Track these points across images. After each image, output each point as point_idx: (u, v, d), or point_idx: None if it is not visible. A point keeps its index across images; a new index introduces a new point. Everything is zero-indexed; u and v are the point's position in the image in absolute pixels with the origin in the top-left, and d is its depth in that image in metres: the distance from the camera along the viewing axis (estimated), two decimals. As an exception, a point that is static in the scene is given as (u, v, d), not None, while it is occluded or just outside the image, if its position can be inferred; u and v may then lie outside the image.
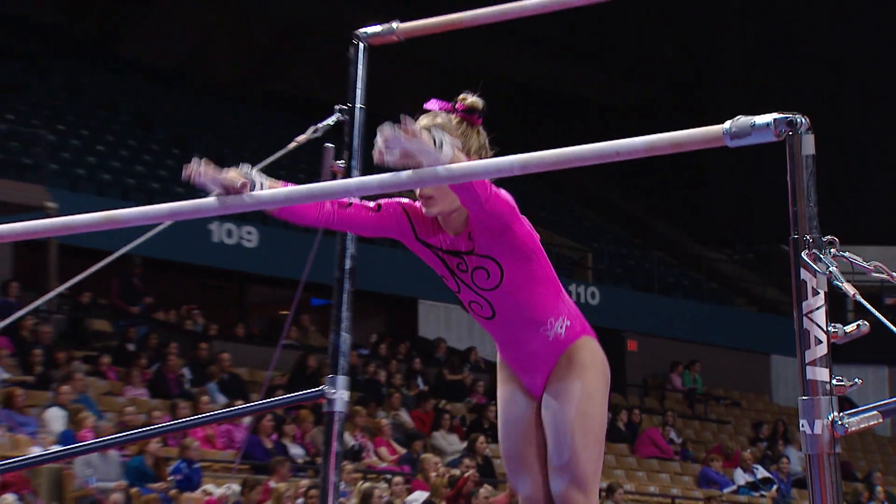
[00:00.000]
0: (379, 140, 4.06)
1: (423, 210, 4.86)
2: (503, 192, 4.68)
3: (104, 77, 31.49)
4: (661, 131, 3.62)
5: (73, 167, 25.24)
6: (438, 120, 4.73)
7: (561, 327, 4.91)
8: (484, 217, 4.64)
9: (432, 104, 4.86)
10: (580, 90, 36.80)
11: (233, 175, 4.47)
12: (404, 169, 4.10)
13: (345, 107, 6.68)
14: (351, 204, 4.89)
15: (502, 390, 5.00)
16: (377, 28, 6.67)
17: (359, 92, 6.73)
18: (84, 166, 25.76)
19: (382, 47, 6.75)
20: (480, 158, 4.73)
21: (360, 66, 6.74)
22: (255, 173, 4.59)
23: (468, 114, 4.80)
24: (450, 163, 4.15)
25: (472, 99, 4.81)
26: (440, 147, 4.17)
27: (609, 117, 33.19)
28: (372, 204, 4.96)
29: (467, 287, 4.91)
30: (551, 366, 4.98)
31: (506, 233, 4.72)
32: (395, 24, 6.61)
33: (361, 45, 6.73)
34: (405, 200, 5.00)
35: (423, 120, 4.74)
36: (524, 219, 4.83)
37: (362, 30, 6.73)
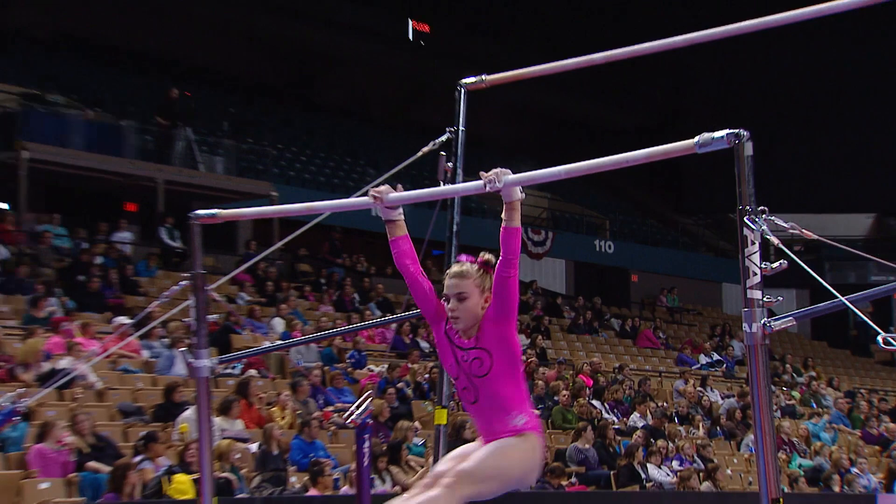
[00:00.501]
0: (483, 175, 4.68)
1: (450, 314, 4.92)
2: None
3: (304, 114, 31.99)
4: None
5: (287, 170, 26.26)
6: (465, 268, 4.99)
7: (521, 420, 4.98)
8: (498, 282, 4.87)
9: (462, 257, 5.16)
10: (589, 117, 37.11)
11: (382, 188, 5.15)
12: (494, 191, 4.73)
13: (452, 129, 7.48)
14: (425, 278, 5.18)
15: (469, 442, 5.16)
16: (472, 79, 7.53)
17: (461, 119, 7.53)
18: (294, 169, 26.76)
19: (476, 91, 7.59)
20: (488, 295, 4.94)
21: (462, 103, 7.53)
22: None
23: (485, 265, 4.98)
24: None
25: (487, 256, 4.99)
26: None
27: (608, 138, 33.18)
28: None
29: (465, 375, 5.03)
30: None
31: (504, 329, 4.93)
32: (483, 77, 7.48)
33: (463, 90, 7.54)
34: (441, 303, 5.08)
35: (455, 268, 5.03)
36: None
37: (463, 80, 7.58)
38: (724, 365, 24.89)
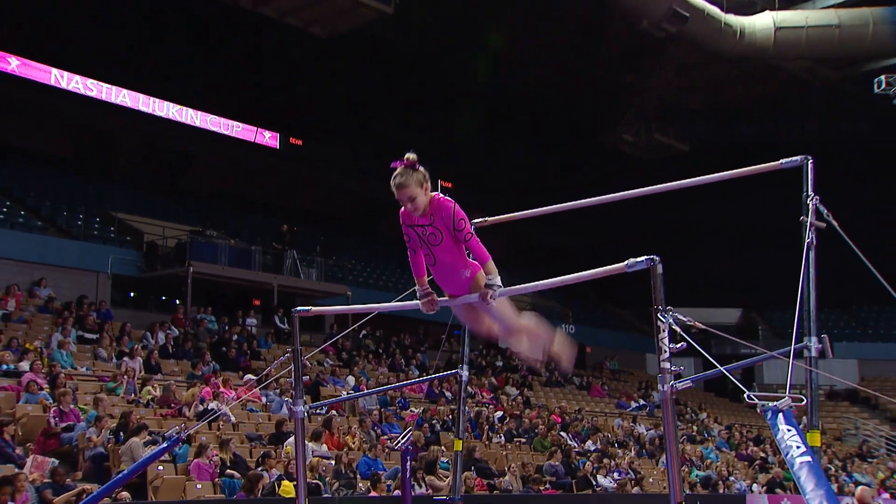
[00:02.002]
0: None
1: (410, 209, 4.54)
2: (464, 217, 4.66)
3: (369, 241, 30.92)
4: (596, 266, 4.48)
5: (357, 277, 26.00)
6: (404, 179, 4.51)
7: (467, 272, 4.71)
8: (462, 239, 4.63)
9: (395, 164, 4.60)
10: (553, 242, 36.41)
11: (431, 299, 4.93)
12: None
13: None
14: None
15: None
16: (479, 220, 7.00)
17: None
18: (363, 277, 26.46)
19: (481, 228, 6.92)
20: (427, 185, 4.58)
21: None
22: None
23: (413, 164, 4.56)
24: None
25: (409, 155, 4.58)
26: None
27: (563, 258, 31.06)
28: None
29: (425, 244, 4.69)
30: (465, 289, 4.83)
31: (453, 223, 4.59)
32: (486, 218, 7.14)
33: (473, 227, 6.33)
34: (401, 210, 4.69)
35: (397, 180, 4.54)
36: (466, 220, 4.67)
37: (473, 221, 6.10)
38: (648, 408, 24.52)
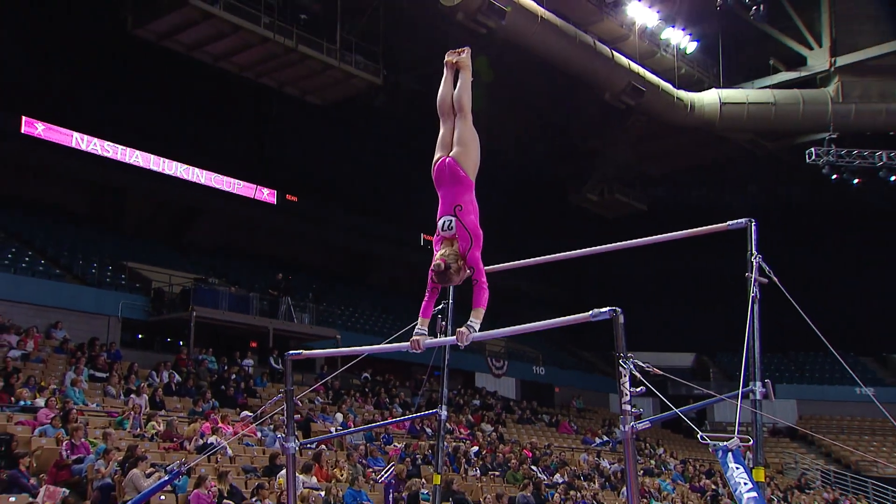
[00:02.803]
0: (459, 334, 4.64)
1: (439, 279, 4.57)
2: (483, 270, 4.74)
3: (359, 289, 31.75)
4: (564, 313, 4.58)
5: (346, 322, 25.85)
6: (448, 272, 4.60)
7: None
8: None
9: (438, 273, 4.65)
10: (525, 290, 36.09)
11: (420, 339, 4.84)
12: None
13: (446, 301, 7.29)
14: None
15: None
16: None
17: (451, 296, 7.33)
18: (352, 321, 26.35)
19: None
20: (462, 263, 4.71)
21: (451, 288, 7.03)
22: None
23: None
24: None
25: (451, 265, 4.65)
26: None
27: (537, 305, 32.41)
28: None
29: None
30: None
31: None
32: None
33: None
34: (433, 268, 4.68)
35: (440, 272, 4.62)
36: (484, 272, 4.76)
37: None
38: (611, 444, 24.36)
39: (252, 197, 27.47)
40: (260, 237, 29.64)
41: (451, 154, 5.03)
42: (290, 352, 6.37)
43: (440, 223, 4.98)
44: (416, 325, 5.05)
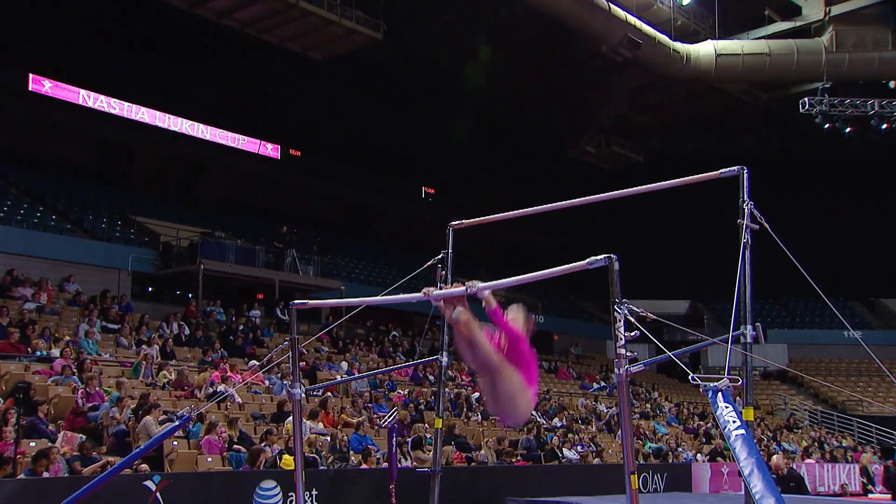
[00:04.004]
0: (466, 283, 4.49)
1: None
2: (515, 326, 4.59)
3: (363, 242, 31.75)
4: (564, 264, 4.24)
5: (351, 273, 25.86)
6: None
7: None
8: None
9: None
10: (527, 242, 36.45)
11: (431, 289, 4.67)
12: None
13: (446, 251, 7.27)
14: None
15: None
16: (456, 222, 7.36)
17: (450, 246, 7.32)
18: (355, 273, 26.30)
19: (460, 230, 7.38)
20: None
21: (450, 237, 7.32)
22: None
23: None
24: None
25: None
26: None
27: (539, 255, 32.35)
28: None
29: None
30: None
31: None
32: (463, 221, 7.32)
33: (451, 229, 7.36)
34: None
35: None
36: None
37: (451, 223, 7.40)
38: (608, 389, 24.50)
39: (256, 152, 27.42)
40: (265, 191, 29.58)
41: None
42: (296, 301, 6.36)
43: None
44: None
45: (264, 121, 28.34)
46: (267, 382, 15.24)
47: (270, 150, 27.90)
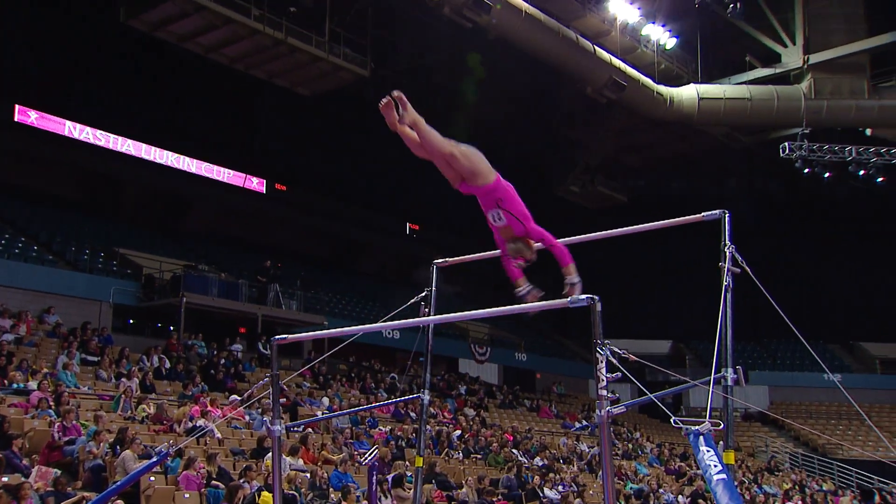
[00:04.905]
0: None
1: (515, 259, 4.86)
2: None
3: (346, 276, 31.72)
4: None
5: (334, 308, 25.62)
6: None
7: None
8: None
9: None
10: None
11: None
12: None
13: (428, 289, 7.25)
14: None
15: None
16: (440, 260, 7.37)
17: (434, 282, 7.32)
18: (339, 308, 26.15)
19: (443, 268, 7.37)
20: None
21: (434, 274, 7.34)
22: None
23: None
24: None
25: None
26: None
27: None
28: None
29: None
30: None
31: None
32: (446, 259, 7.33)
33: (435, 267, 7.40)
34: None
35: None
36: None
37: (435, 261, 7.45)
38: (589, 428, 24.36)
39: (242, 186, 27.50)
40: (249, 225, 29.53)
41: (465, 181, 5.15)
42: (277, 336, 6.30)
43: (489, 216, 5.16)
44: (518, 288, 5.14)
45: (251, 155, 28.47)
46: (247, 417, 15.08)
47: (256, 184, 27.95)
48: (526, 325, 34.04)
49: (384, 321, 6.02)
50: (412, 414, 18.99)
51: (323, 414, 16.10)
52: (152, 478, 10.58)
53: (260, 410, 15.16)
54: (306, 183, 29.93)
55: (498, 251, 6.88)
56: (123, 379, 14.76)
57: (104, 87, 24.80)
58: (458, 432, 19.06)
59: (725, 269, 5.36)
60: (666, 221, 6.16)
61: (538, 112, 31.17)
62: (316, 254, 31.78)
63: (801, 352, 33.85)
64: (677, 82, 28.85)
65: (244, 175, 27.40)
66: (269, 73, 24.66)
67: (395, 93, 5.00)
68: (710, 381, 4.96)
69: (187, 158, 25.72)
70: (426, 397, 7.28)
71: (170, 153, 25.18)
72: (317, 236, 31.96)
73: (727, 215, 5.60)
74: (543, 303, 4.49)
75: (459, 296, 31.04)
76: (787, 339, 34.34)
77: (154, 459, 6.87)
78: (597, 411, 4.26)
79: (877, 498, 22.05)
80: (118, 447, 10.91)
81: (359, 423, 17.18)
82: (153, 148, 24.77)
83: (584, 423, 25.22)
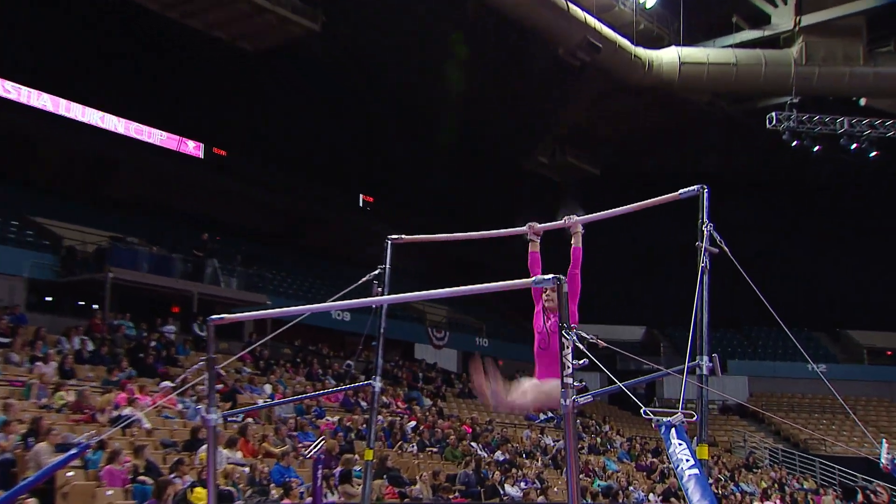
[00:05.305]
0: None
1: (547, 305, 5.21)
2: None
3: (291, 253, 31.45)
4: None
5: (278, 287, 25.80)
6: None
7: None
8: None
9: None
10: (473, 258, 35.15)
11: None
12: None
13: (383, 266, 7.26)
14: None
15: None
16: (394, 237, 7.34)
17: (388, 260, 7.32)
18: (283, 287, 26.31)
19: (398, 245, 7.37)
20: None
21: (388, 251, 7.32)
22: None
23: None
24: None
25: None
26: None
27: (487, 272, 32.84)
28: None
29: (546, 331, 5.39)
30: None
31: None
32: (401, 236, 7.30)
33: (389, 243, 7.35)
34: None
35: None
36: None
37: (389, 237, 7.44)
38: (555, 420, 24.51)
39: (176, 149, 27.02)
40: (185, 194, 29.04)
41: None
42: (213, 316, 6.18)
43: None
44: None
45: (186, 115, 27.89)
46: (180, 406, 14.99)
47: (192, 147, 27.52)
48: (488, 309, 34.19)
49: (333, 301, 5.92)
50: (363, 403, 18.99)
51: (264, 402, 16.07)
52: (71, 472, 10.49)
53: (194, 398, 15.07)
54: (249, 149, 29.57)
55: (459, 234, 7.21)
56: (39, 363, 14.55)
57: (18, 35, 24.06)
58: (413, 423, 19.12)
59: (702, 249, 5.41)
60: (641, 203, 6.10)
61: (505, 75, 31.11)
62: (258, 227, 31.50)
63: (784, 340, 34.42)
64: (657, 44, 28.97)
65: (178, 137, 26.97)
66: (208, 23, 24.29)
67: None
68: (684, 370, 5.01)
69: (113, 117, 25.11)
70: (378, 385, 7.28)
71: (92, 110, 24.57)
72: (260, 207, 31.58)
73: (706, 191, 5.65)
74: (506, 283, 4.44)
75: (416, 275, 31.10)
76: (768, 327, 34.95)
77: (72, 452, 6.78)
78: (561, 402, 4.25)
79: (860, 497, 22.59)
80: (31, 439, 10.77)
81: (304, 412, 17.14)
82: (73, 104, 24.11)
83: (549, 414, 25.26)
